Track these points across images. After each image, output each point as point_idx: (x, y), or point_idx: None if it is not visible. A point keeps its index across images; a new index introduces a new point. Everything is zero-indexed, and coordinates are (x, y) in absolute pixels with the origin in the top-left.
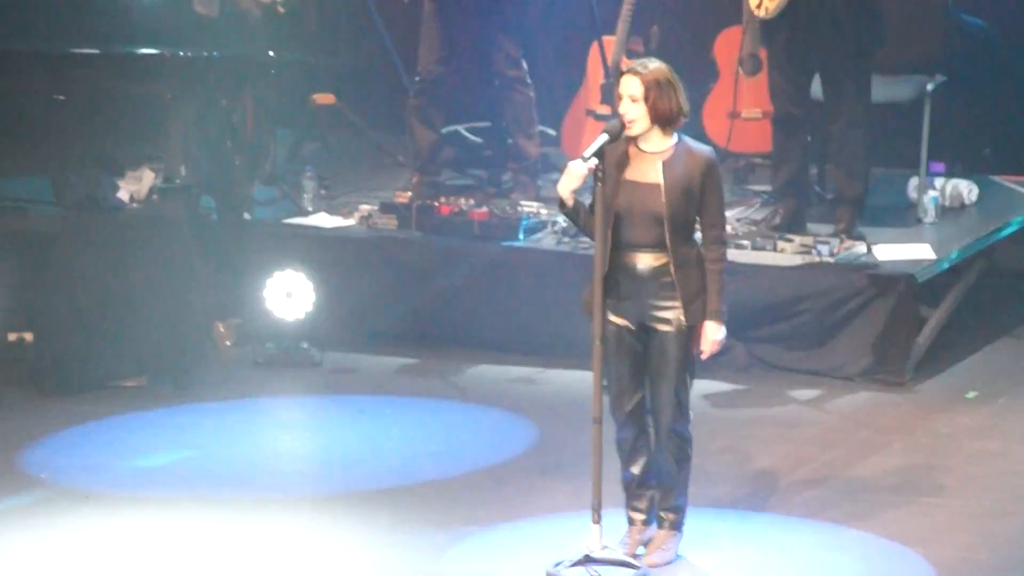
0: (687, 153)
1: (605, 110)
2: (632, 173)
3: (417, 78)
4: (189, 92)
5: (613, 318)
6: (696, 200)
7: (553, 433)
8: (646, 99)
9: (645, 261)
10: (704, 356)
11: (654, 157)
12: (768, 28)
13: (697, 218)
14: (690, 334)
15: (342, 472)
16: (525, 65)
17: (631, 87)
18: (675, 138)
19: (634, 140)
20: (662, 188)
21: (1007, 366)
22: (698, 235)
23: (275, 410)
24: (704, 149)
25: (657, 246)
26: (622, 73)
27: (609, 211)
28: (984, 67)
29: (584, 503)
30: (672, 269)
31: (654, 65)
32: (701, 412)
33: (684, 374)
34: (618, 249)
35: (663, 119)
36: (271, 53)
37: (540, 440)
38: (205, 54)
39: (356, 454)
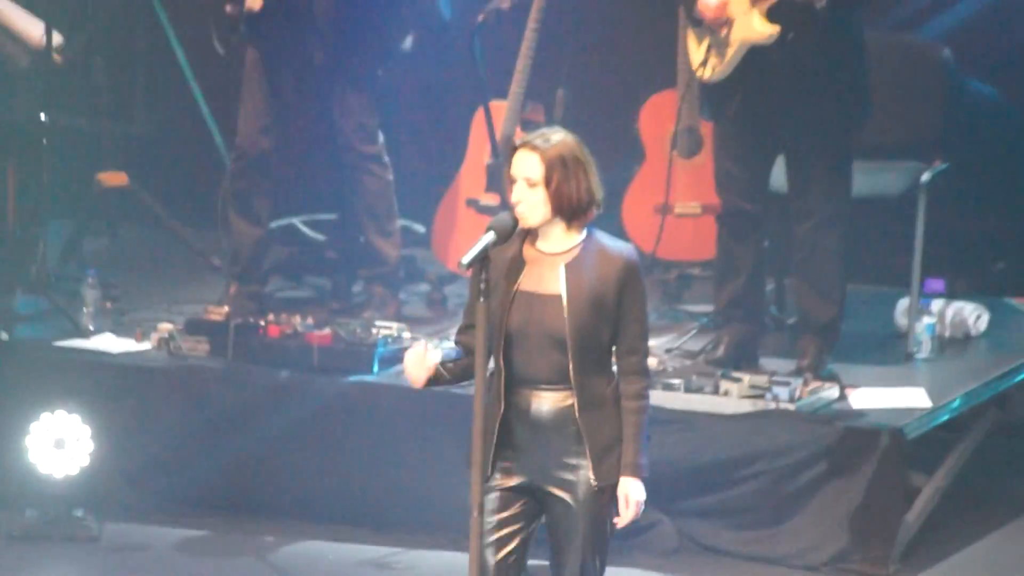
0: (599, 253)
1: (491, 200)
2: (527, 282)
3: (235, 154)
4: None
5: (500, 480)
6: (611, 317)
7: None
8: (547, 182)
9: (543, 402)
10: (619, 524)
11: (554, 259)
12: (714, 95)
13: (613, 344)
14: (602, 501)
15: None
16: (382, 139)
17: (527, 166)
18: (583, 234)
19: (530, 238)
20: (563, 300)
21: None
22: (614, 367)
23: None
24: (622, 248)
25: (559, 381)
26: (515, 148)
27: (498, 334)
28: (997, 150)
29: None
30: (576, 412)
31: (558, 137)
32: None
33: (593, 556)
34: (510, 387)
35: (569, 210)
36: (42, 116)
37: None
38: None
39: None
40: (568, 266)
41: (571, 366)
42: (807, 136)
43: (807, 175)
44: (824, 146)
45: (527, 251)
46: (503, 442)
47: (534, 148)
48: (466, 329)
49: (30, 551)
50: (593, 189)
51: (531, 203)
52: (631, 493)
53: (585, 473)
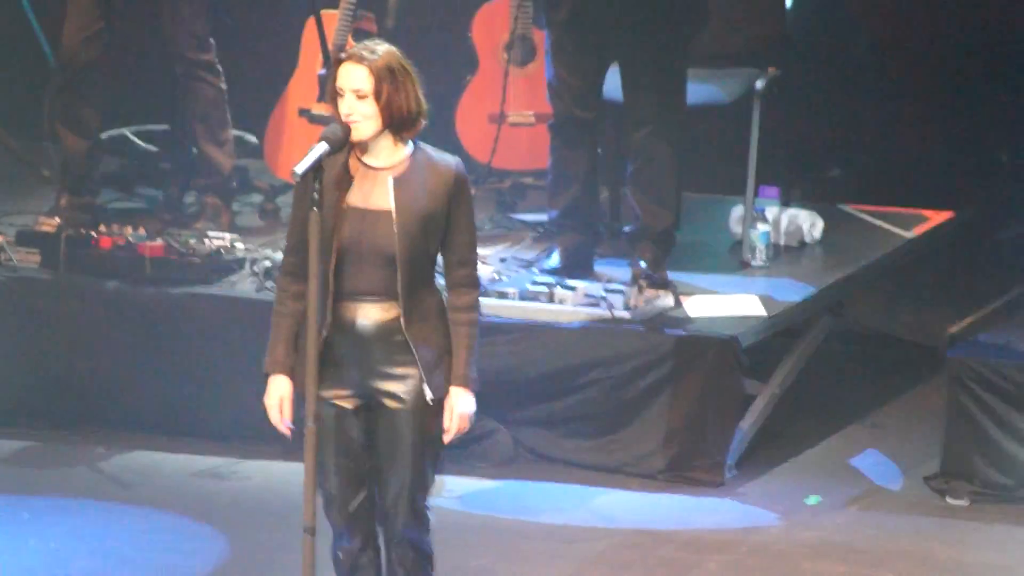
0: (427, 166)
1: (324, 109)
2: (355, 197)
3: (59, 65)
4: None
5: (327, 392)
6: (439, 230)
7: (249, 546)
8: (376, 95)
9: (369, 315)
10: (448, 438)
11: (383, 174)
12: (549, 2)
13: (440, 255)
14: (431, 412)
15: None
16: (213, 45)
17: (356, 79)
18: (410, 147)
19: (356, 151)
20: (393, 215)
21: (860, 462)
22: (441, 279)
23: None
24: (449, 160)
25: (385, 294)
26: (339, 61)
27: (328, 249)
28: (834, 56)
29: None
30: (403, 324)
31: (383, 49)
32: (451, 518)
33: (423, 466)
34: (335, 300)
35: (399, 122)
36: None
37: (231, 557)
38: None
39: None
40: (397, 180)
41: (399, 280)
42: (640, 43)
43: (640, 83)
44: (657, 54)
45: (353, 165)
46: (328, 358)
47: (361, 60)
48: (295, 248)
49: None
50: (420, 100)
51: (362, 115)
52: (458, 405)
53: (413, 383)
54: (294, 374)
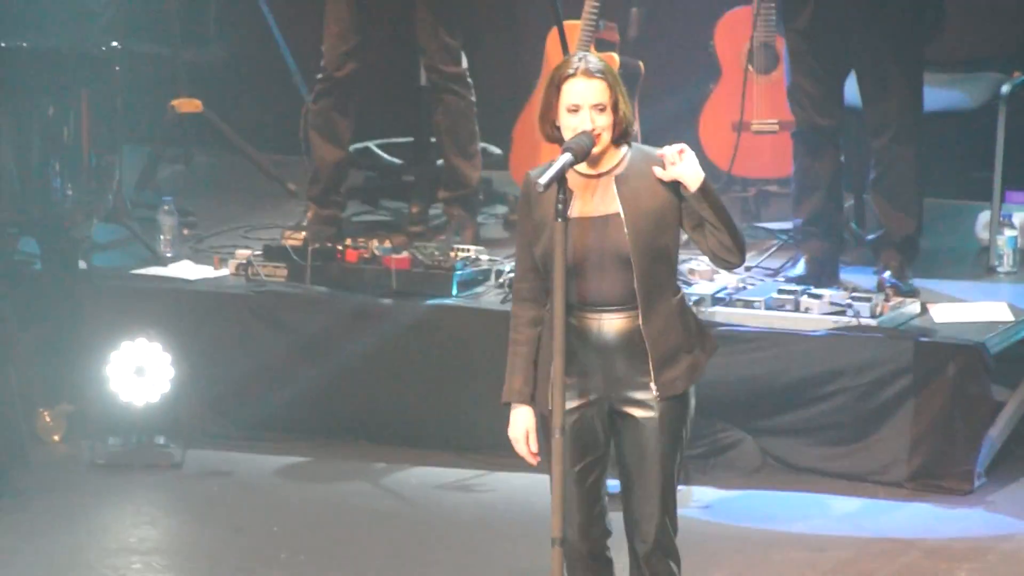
0: (644, 162)
1: None
2: (579, 207)
3: (320, 76)
4: None
5: (575, 403)
6: (672, 221)
7: (496, 558)
8: (614, 107)
9: (610, 325)
10: (668, 164)
11: (604, 179)
12: (787, 10)
13: (677, 252)
14: (672, 414)
15: None
16: (466, 62)
17: (595, 93)
18: (624, 148)
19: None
20: (622, 216)
21: None
22: (681, 278)
23: (120, 530)
24: (659, 151)
25: (624, 302)
26: (567, 77)
27: (562, 261)
28: None
29: None
30: (643, 331)
31: (602, 62)
32: (697, 528)
33: (671, 473)
34: (574, 313)
35: (625, 130)
36: (115, 43)
37: (478, 569)
38: (20, 43)
39: None
40: (619, 179)
41: (637, 286)
42: (879, 49)
43: (882, 89)
44: (896, 59)
45: (571, 177)
46: (571, 370)
47: (598, 75)
48: (525, 275)
49: (113, 479)
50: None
51: (602, 127)
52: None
53: (653, 386)
54: (534, 402)
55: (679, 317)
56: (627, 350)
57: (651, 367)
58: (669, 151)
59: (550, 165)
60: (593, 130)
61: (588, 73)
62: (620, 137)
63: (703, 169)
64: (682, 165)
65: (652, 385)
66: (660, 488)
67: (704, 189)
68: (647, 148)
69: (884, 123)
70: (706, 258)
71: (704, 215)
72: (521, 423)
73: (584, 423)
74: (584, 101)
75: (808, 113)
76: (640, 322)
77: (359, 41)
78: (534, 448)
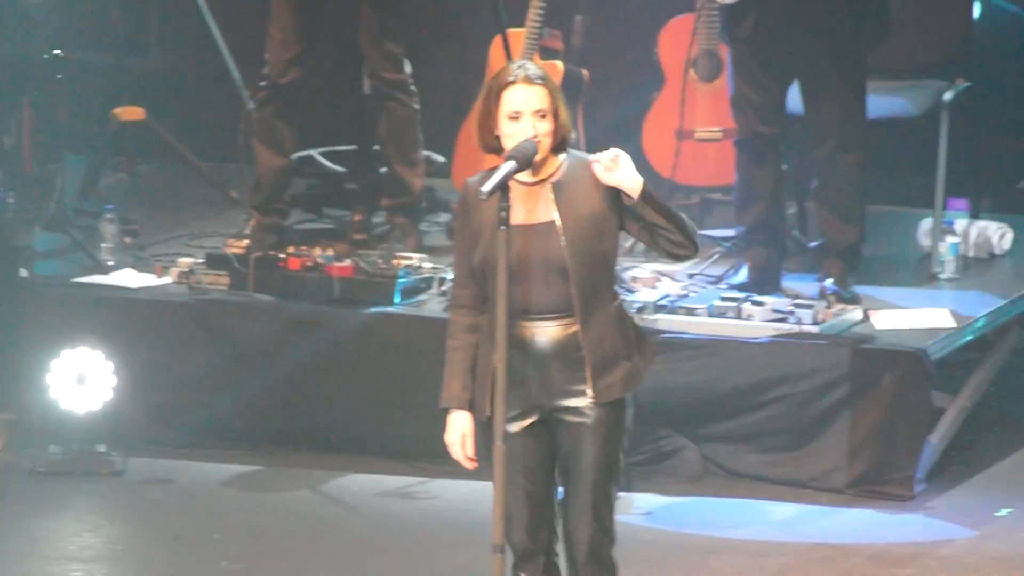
0: (582, 168)
1: None
2: (516, 215)
3: (263, 83)
4: None
5: (510, 412)
6: (610, 225)
7: (438, 565)
8: (554, 113)
9: (546, 333)
10: (599, 166)
11: (539, 187)
12: (731, 17)
13: (614, 257)
14: (608, 423)
15: None
16: (409, 68)
17: (536, 99)
18: (562, 156)
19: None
20: (559, 225)
21: None
22: (624, 285)
23: (60, 538)
24: (592, 156)
25: (561, 310)
26: (508, 84)
27: (493, 272)
28: (1020, 68)
29: None
30: (581, 339)
31: (541, 69)
32: (639, 535)
33: (607, 482)
34: (512, 321)
35: (564, 137)
36: (57, 52)
37: None
38: None
39: None
40: (556, 187)
41: (573, 291)
42: (821, 57)
43: (824, 97)
44: (838, 67)
45: (510, 185)
46: (509, 377)
47: (536, 81)
48: (464, 281)
49: (54, 486)
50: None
51: (544, 134)
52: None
53: (591, 398)
54: (472, 407)
55: (617, 324)
56: (563, 357)
57: (588, 374)
58: (603, 157)
59: (492, 172)
60: (535, 137)
61: (528, 80)
62: (559, 145)
63: (646, 177)
64: (619, 172)
65: (588, 391)
66: (592, 496)
67: (645, 195)
68: (583, 154)
69: (826, 131)
70: (648, 266)
71: (651, 220)
72: (457, 427)
73: (524, 431)
74: (525, 108)
75: (751, 121)
76: (578, 329)
77: (303, 48)
78: (470, 452)
